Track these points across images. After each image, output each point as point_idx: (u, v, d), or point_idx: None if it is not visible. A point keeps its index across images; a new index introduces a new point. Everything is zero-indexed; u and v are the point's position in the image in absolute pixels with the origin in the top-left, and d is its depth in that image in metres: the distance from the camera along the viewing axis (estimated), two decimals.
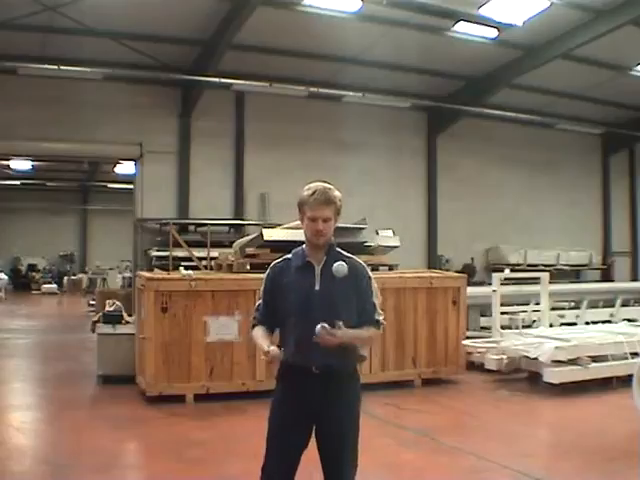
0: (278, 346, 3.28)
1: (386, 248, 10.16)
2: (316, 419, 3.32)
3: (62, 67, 12.64)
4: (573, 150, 19.47)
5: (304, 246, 3.40)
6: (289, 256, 3.45)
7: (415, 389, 8.83)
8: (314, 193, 3.26)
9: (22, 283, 31.81)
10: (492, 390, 8.98)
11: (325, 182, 3.38)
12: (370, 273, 3.47)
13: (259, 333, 3.39)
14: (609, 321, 12.11)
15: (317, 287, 3.28)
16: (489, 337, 10.05)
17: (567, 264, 18.50)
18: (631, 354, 8.55)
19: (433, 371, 9.12)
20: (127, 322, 9.32)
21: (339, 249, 3.42)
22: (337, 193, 3.33)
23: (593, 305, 13.05)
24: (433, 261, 16.99)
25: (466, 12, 11.49)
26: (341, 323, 3.15)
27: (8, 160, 22.04)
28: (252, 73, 14.14)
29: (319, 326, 3.10)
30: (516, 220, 18.31)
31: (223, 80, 13.72)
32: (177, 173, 14.74)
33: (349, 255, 3.43)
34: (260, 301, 3.48)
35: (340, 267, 3.20)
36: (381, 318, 3.41)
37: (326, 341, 3.12)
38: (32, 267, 33.72)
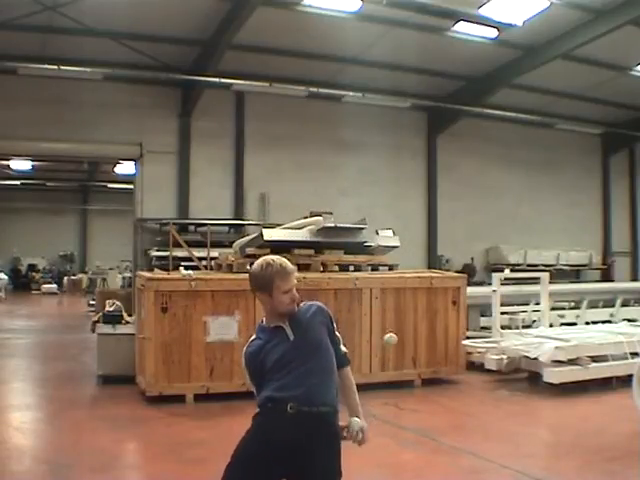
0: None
1: (386, 248, 10.16)
2: (291, 470, 3.06)
3: (62, 67, 12.63)
4: (573, 150, 19.47)
5: (263, 321, 3.32)
6: (254, 337, 3.33)
7: (415, 389, 8.83)
8: (280, 265, 3.19)
9: (22, 283, 31.84)
10: (492, 390, 8.98)
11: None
12: (327, 308, 3.39)
13: None
14: (609, 321, 12.11)
15: (292, 337, 3.18)
16: (489, 337, 10.05)
17: (567, 264, 18.50)
18: (631, 354, 8.55)
19: (433, 371, 9.11)
20: (127, 322, 9.32)
21: None
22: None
23: (593, 305, 13.05)
24: (433, 261, 16.99)
25: (466, 12, 11.49)
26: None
27: (8, 160, 22.05)
28: (252, 73, 14.14)
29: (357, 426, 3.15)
30: (516, 220, 18.32)
31: (223, 80, 13.71)
32: (177, 173, 14.73)
33: (302, 301, 3.36)
34: (253, 387, 3.32)
35: (391, 339, 3.33)
36: (347, 352, 3.39)
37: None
38: (32, 267, 33.74)
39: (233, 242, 10.48)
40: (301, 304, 3.29)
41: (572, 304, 13.03)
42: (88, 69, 13.00)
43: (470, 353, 9.53)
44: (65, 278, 31.36)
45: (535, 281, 11.20)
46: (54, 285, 30.46)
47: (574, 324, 11.77)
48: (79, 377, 9.66)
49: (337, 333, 3.36)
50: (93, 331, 9.65)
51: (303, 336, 3.18)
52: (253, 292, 3.32)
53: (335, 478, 3.12)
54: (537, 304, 10.93)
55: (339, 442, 3.16)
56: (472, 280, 14.09)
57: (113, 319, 9.33)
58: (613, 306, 13.07)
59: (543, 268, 15.64)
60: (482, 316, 11.58)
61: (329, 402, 3.13)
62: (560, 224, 18.71)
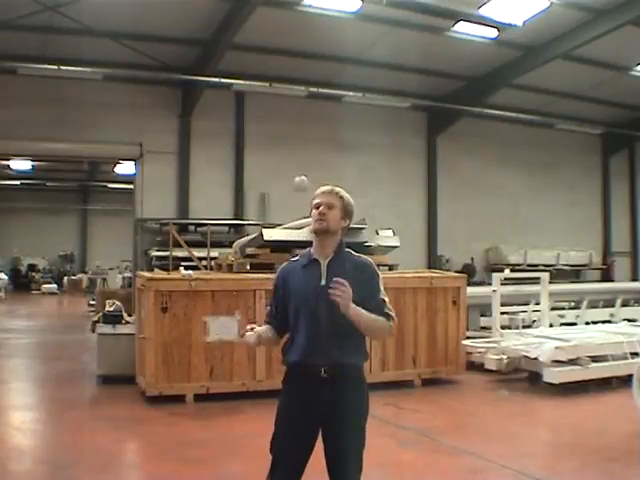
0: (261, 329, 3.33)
1: (386, 248, 10.15)
2: (322, 422, 3.27)
3: (62, 67, 12.64)
4: (573, 150, 19.48)
5: (311, 248, 3.40)
6: (297, 257, 3.47)
7: (415, 389, 8.83)
8: (321, 186, 3.47)
9: (22, 283, 31.81)
10: (492, 390, 8.98)
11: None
12: (378, 271, 3.43)
13: (262, 328, 3.39)
14: (609, 321, 12.10)
15: (323, 282, 3.22)
16: (489, 337, 10.04)
17: (567, 264, 18.50)
18: (631, 354, 8.56)
19: (433, 371, 9.11)
20: (127, 322, 9.31)
21: (349, 249, 3.41)
22: (345, 193, 3.52)
23: (593, 305, 13.04)
24: (433, 261, 17.00)
25: (466, 12, 11.50)
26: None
27: (8, 160, 22.04)
28: (252, 73, 14.15)
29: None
30: (516, 220, 18.33)
31: (223, 80, 13.72)
32: (177, 173, 14.75)
33: (359, 255, 3.42)
34: (270, 306, 3.50)
35: (301, 181, 3.40)
36: (392, 313, 3.37)
37: (339, 294, 3.04)
38: (32, 267, 33.74)
39: (233, 242, 10.47)
40: (354, 253, 3.39)
41: (572, 304, 13.02)
42: (88, 69, 13.00)
43: (470, 353, 9.52)
44: (65, 278, 31.32)
45: (535, 281, 11.19)
46: (54, 285, 30.43)
47: (574, 324, 11.76)
48: (79, 377, 9.65)
49: (383, 297, 3.36)
50: (93, 331, 9.65)
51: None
52: None
53: (363, 425, 3.30)
54: (537, 304, 10.92)
55: (367, 394, 3.36)
56: (472, 280, 14.09)
57: (113, 319, 9.32)
58: (613, 306, 13.06)
59: (543, 268, 15.64)
60: (482, 316, 11.57)
61: (359, 363, 3.33)
62: (560, 224, 18.71)
